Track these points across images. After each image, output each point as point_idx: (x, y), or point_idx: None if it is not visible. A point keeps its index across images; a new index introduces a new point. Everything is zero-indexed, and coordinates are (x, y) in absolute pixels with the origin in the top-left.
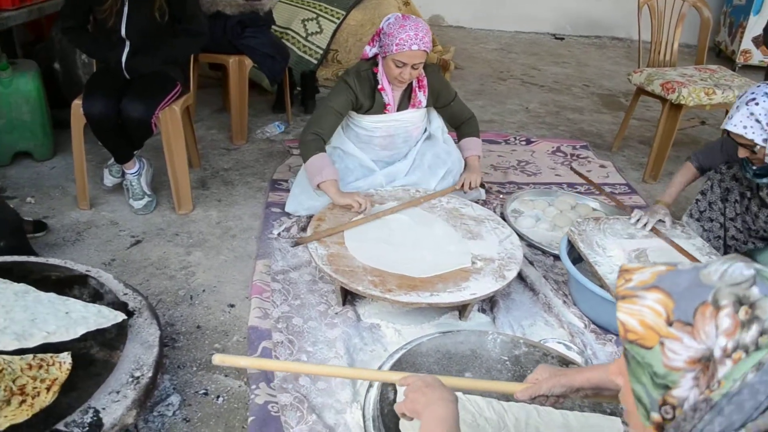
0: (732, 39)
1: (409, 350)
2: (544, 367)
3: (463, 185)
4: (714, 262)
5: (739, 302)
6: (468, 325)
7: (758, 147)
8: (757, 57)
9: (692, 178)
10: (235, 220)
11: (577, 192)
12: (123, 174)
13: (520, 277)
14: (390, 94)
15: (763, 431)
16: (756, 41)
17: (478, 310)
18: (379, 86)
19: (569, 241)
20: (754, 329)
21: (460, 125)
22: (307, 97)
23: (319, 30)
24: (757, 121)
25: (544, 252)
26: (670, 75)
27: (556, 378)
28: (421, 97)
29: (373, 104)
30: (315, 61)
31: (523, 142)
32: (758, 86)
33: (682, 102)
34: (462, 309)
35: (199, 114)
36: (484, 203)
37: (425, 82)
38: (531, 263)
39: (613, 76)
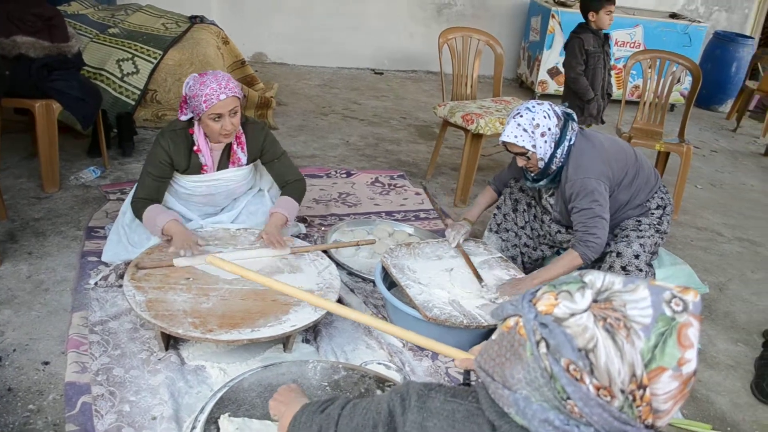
0: (531, 71)
1: (231, 387)
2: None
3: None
4: None
5: None
6: (292, 357)
7: (530, 153)
8: (552, 87)
9: (491, 199)
10: (48, 272)
11: (394, 219)
12: None
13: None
14: (208, 155)
15: None
16: (551, 73)
17: (303, 341)
18: (195, 147)
19: (384, 267)
20: None
21: (285, 186)
22: (124, 139)
23: (135, 70)
24: (524, 130)
25: (364, 279)
26: (470, 107)
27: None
28: (241, 154)
29: (189, 165)
30: (132, 102)
31: (344, 175)
32: (521, 103)
33: (481, 132)
34: (286, 341)
35: (7, 161)
36: (305, 237)
37: (243, 138)
38: (352, 290)
39: (428, 107)
